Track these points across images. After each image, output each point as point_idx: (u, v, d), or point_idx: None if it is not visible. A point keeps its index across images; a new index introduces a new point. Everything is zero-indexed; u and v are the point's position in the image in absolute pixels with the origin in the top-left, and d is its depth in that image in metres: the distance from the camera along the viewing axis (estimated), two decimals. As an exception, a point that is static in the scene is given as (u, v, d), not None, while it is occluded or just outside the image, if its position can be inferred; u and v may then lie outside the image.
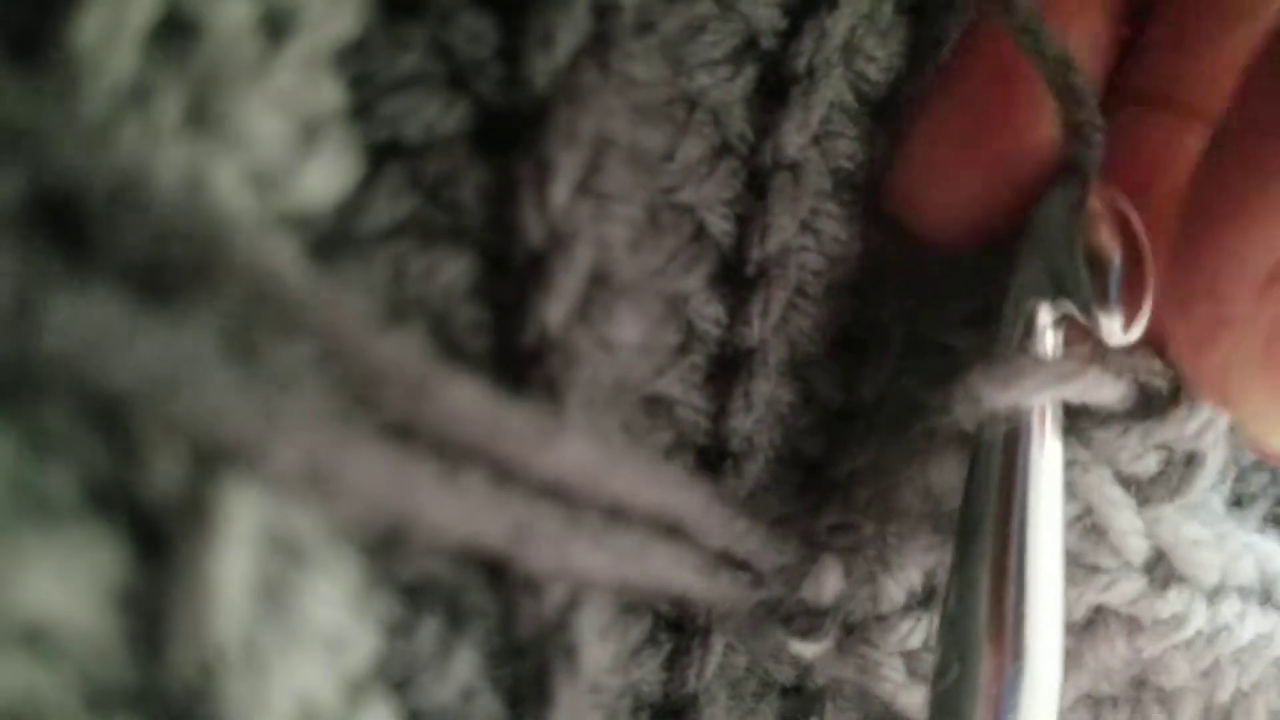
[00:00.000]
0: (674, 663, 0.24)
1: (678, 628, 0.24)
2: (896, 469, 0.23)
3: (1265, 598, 0.24)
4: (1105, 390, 0.21)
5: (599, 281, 0.18)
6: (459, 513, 0.16)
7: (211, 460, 0.13)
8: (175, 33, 0.13)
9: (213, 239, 0.13)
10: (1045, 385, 0.20)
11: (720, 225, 0.22)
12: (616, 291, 0.18)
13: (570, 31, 0.17)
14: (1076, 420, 0.22)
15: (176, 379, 0.13)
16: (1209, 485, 0.23)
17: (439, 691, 0.18)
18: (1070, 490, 0.22)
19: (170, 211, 0.13)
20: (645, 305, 0.20)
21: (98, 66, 0.13)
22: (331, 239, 0.17)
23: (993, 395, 0.20)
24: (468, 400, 0.16)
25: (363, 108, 0.17)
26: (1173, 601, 0.23)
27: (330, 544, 0.16)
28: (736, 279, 0.23)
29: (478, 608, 0.18)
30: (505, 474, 0.16)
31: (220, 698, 0.14)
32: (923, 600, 0.23)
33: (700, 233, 0.22)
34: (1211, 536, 0.23)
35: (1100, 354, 0.21)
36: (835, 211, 0.23)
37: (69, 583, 0.13)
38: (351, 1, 0.16)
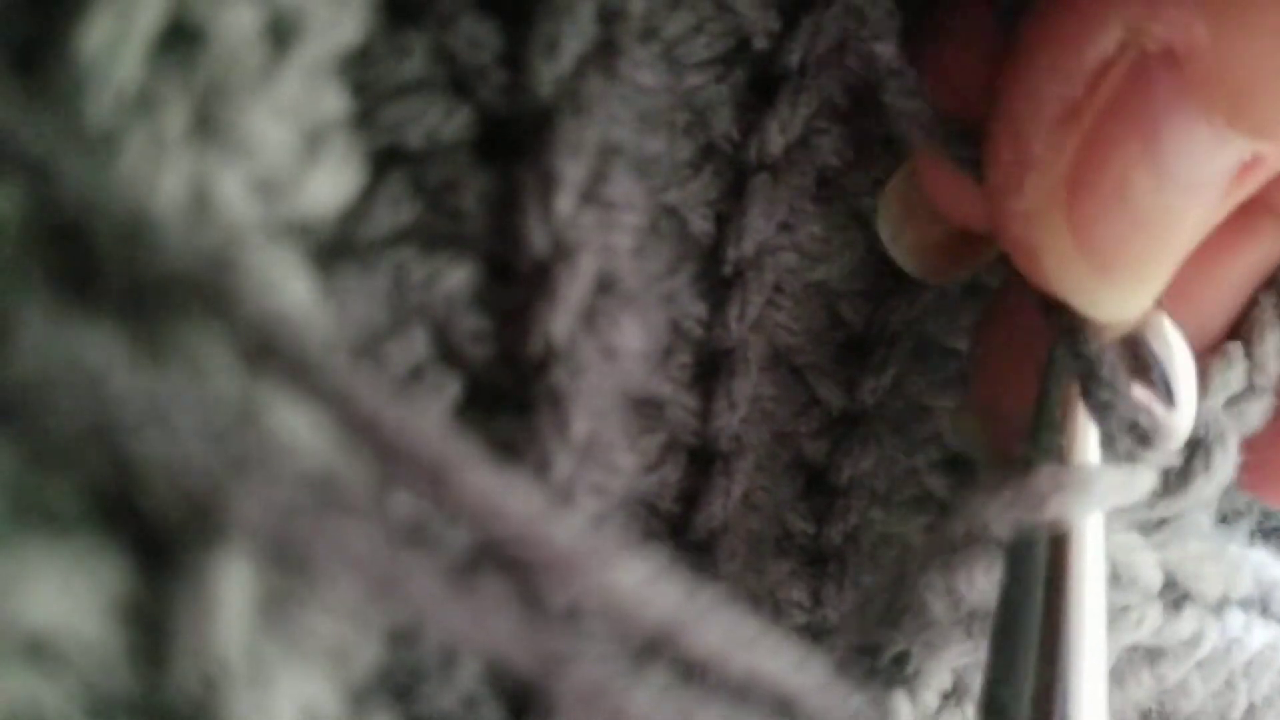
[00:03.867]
0: None
1: None
2: (916, 575, 0.21)
3: (1264, 608, 0.24)
4: (1144, 485, 0.20)
5: (604, 290, 0.18)
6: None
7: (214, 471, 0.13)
8: (181, 41, 0.13)
9: (218, 277, 0.13)
10: (1101, 497, 0.19)
11: (701, 225, 0.22)
12: (621, 300, 0.18)
13: (576, 38, 0.17)
14: None
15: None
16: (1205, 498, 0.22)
17: (442, 700, 0.18)
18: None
19: (175, 245, 0.13)
20: (647, 311, 0.20)
21: (103, 75, 0.13)
22: (334, 247, 0.17)
23: (1043, 508, 0.19)
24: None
25: (365, 115, 0.17)
26: (1188, 621, 0.23)
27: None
28: (716, 278, 0.23)
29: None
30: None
31: (223, 710, 0.14)
32: (953, 695, 0.22)
33: (684, 233, 0.22)
34: (1210, 549, 0.23)
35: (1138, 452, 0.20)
36: (817, 211, 0.23)
37: (72, 594, 0.13)
38: (355, 8, 0.16)
